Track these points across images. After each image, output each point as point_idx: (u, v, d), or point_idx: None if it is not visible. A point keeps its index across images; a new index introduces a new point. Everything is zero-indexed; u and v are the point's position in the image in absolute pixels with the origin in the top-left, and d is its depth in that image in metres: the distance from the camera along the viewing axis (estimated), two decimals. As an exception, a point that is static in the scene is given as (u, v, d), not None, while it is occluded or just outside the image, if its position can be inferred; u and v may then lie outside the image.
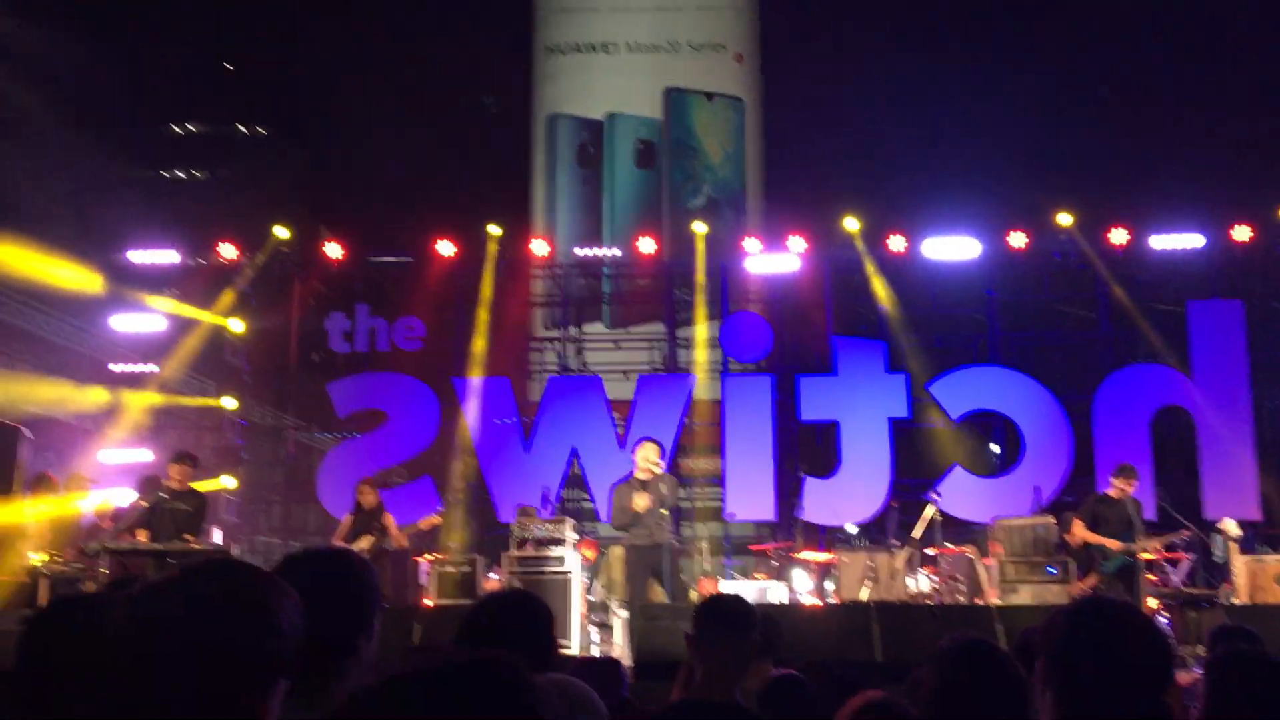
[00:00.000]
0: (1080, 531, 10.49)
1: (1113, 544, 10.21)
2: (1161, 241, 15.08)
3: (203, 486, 11.16)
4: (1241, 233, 14.83)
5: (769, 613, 8.37)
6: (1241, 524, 11.40)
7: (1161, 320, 15.19)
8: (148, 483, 10.89)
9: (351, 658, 2.13)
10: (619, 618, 10.27)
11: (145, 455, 14.24)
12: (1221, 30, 22.96)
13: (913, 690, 2.86)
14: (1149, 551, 10.37)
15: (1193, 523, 11.44)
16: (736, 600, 3.46)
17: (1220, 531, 11.27)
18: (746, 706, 3.14)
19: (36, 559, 10.20)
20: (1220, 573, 11.72)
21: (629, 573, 10.33)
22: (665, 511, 10.02)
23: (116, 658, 1.49)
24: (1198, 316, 14.75)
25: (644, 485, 10.15)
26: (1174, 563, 11.20)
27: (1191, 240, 15.03)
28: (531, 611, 2.82)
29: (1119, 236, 15.05)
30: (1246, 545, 11.33)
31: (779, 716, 3.57)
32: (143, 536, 9.81)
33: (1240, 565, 10.89)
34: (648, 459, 10.16)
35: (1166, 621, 9.78)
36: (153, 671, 1.46)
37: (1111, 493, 10.55)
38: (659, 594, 10.01)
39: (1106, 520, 10.38)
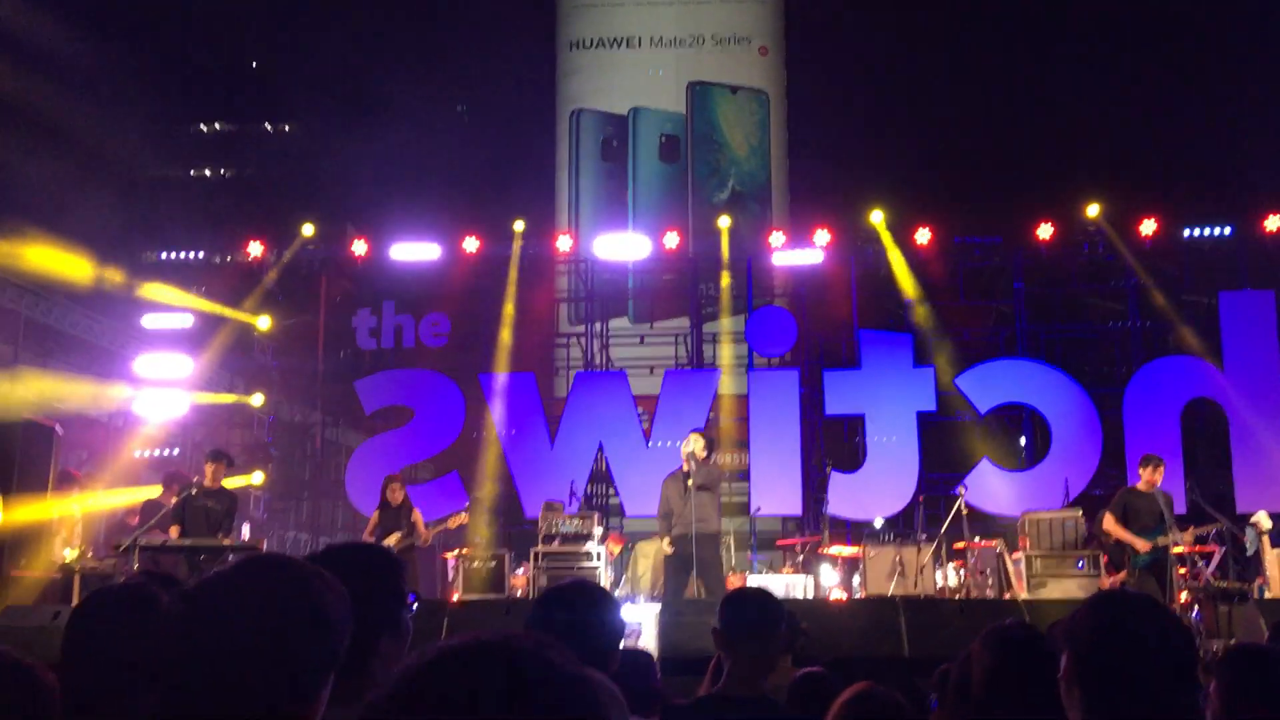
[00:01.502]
0: (1111, 526, 10.41)
1: (1141, 544, 10.12)
2: (1192, 232, 14.93)
3: (231, 483, 11.26)
4: (1273, 222, 14.65)
5: (790, 609, 8.37)
6: (1273, 517, 11.27)
7: (1192, 311, 15.05)
8: (175, 479, 10.99)
9: (376, 656, 2.14)
10: (647, 613, 10.26)
11: (174, 452, 14.36)
12: (1252, 19, 22.68)
13: (942, 681, 2.87)
14: (1180, 545, 10.28)
15: (1224, 516, 11.32)
16: (761, 593, 3.42)
17: (1252, 525, 11.16)
18: (775, 701, 3.14)
19: (69, 555, 10.33)
20: (1252, 566, 11.60)
21: (668, 568, 10.26)
22: (693, 489, 9.84)
23: (167, 654, 1.49)
24: (1229, 307, 14.59)
25: (685, 476, 10.09)
26: (1205, 556, 11.10)
27: (1222, 230, 14.87)
28: (600, 602, 2.76)
29: (1148, 227, 14.91)
30: (1278, 538, 11.19)
31: (806, 713, 3.56)
32: (174, 533, 9.90)
33: (1272, 558, 10.76)
34: (689, 450, 10.05)
35: (1197, 615, 9.70)
36: (207, 668, 1.46)
37: (1141, 485, 10.47)
38: (694, 586, 9.94)
39: (1138, 513, 10.29)
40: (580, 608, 2.69)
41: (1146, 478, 10.44)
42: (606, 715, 1.07)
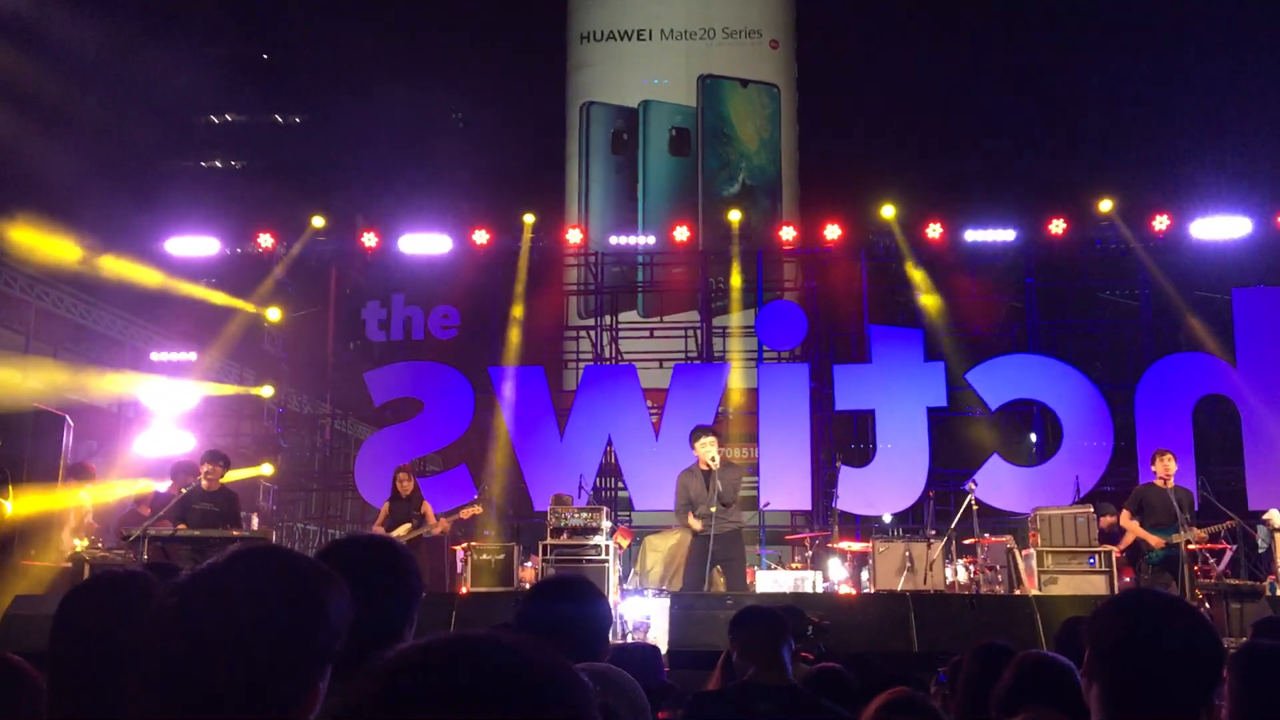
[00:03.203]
0: (1126, 522, 10.41)
1: (1155, 540, 10.11)
2: (1204, 227, 14.85)
3: (241, 474, 11.27)
4: (1287, 219, 14.57)
5: (799, 604, 8.35)
6: (1286, 515, 11.20)
7: (1205, 308, 14.97)
8: (184, 469, 10.99)
9: (391, 649, 2.13)
10: (656, 606, 10.27)
11: (186, 442, 14.38)
12: (1265, 12, 22.53)
13: (954, 671, 2.86)
14: (1194, 542, 10.24)
15: (1237, 513, 11.26)
16: (768, 614, 3.60)
17: (1264, 522, 11.10)
18: (804, 689, 3.15)
19: (79, 545, 10.35)
20: (1264, 563, 11.55)
21: (690, 561, 10.23)
22: (724, 505, 9.83)
23: (160, 642, 1.47)
24: (1243, 304, 14.52)
25: (705, 475, 10.10)
26: (1217, 554, 11.05)
27: (1237, 226, 14.78)
28: (588, 595, 2.80)
29: (1161, 223, 14.83)
30: (1291, 536, 11.12)
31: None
32: (182, 526, 9.91)
33: (1285, 556, 10.71)
34: (707, 452, 9.99)
35: (1208, 613, 9.66)
36: (199, 657, 1.45)
37: (1157, 481, 10.45)
38: (720, 584, 9.96)
39: (1153, 509, 10.28)
40: (567, 601, 2.73)
41: (1160, 471, 10.42)
42: (586, 711, 1.07)
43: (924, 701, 2.86)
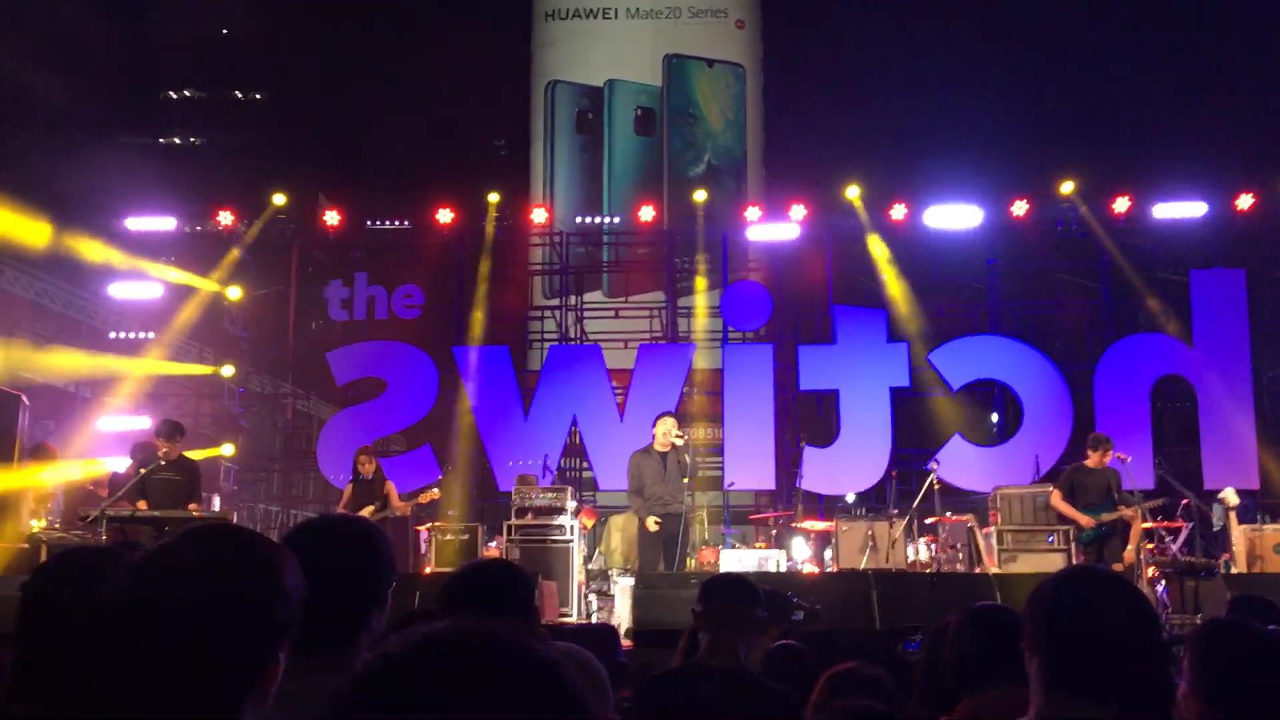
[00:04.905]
0: (1057, 502, 10.50)
1: (1085, 519, 10.24)
2: (1164, 210, 15.00)
3: (201, 454, 11.13)
4: (1245, 201, 14.75)
5: (776, 580, 8.41)
6: (1240, 493, 11.39)
7: (1163, 289, 15.15)
8: (142, 449, 10.86)
9: (365, 628, 2.15)
10: (619, 586, 10.31)
11: (144, 423, 14.22)
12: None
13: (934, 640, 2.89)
14: (1143, 519, 10.36)
15: (1192, 492, 11.42)
16: (738, 579, 3.57)
17: (1219, 500, 11.28)
18: (751, 671, 3.16)
19: (36, 526, 10.22)
20: (1219, 542, 11.74)
21: (644, 541, 10.35)
22: (686, 480, 10.08)
23: (121, 619, 1.49)
24: (1200, 286, 14.70)
25: (663, 456, 10.23)
26: (1173, 532, 11.22)
27: (1195, 209, 14.95)
28: (513, 578, 2.85)
29: (1121, 205, 14.98)
30: (1245, 515, 11.32)
31: (782, 684, 3.59)
32: (142, 505, 9.80)
33: (1239, 535, 10.90)
34: (668, 433, 10.26)
35: (1163, 590, 9.81)
36: (159, 632, 1.47)
37: (1089, 462, 10.54)
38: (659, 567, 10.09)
39: (1085, 489, 10.37)
40: (490, 582, 2.77)
41: (1095, 459, 10.50)
42: (582, 702, 1.08)
43: (870, 674, 2.91)
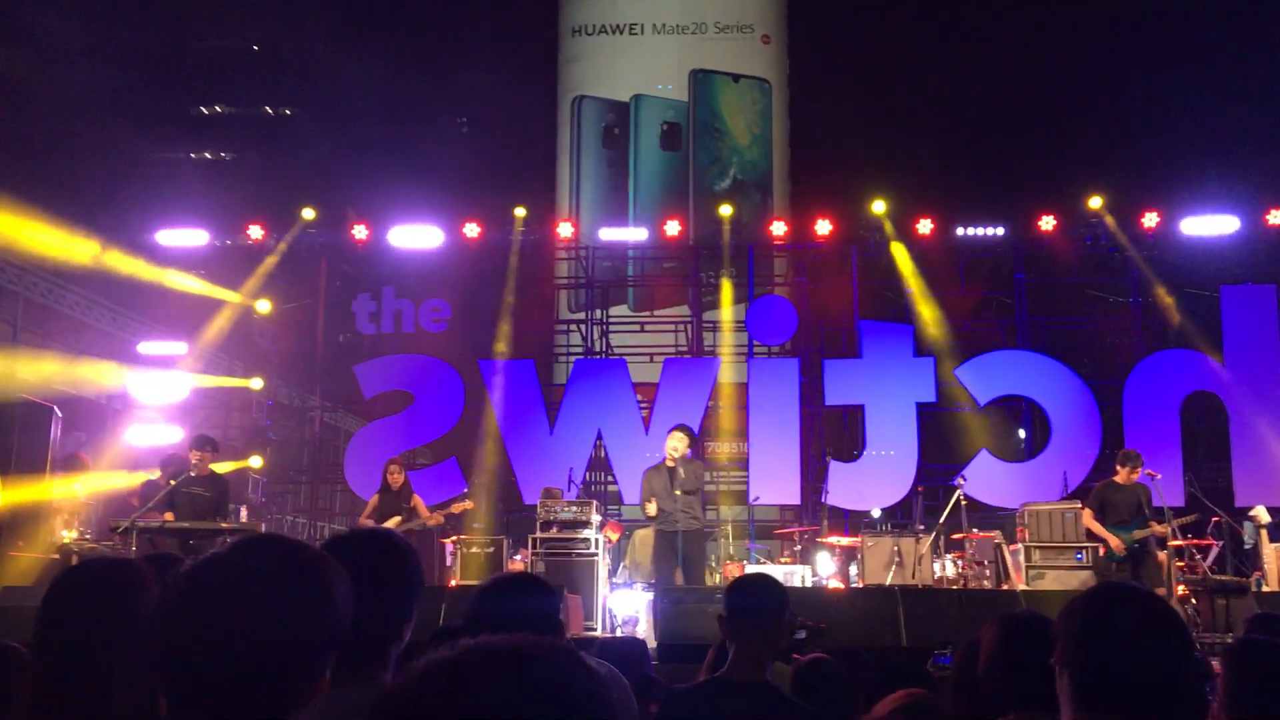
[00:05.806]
0: (1088, 521, 10.44)
1: (1114, 540, 10.16)
2: (1193, 225, 14.90)
3: (230, 466, 11.20)
4: (1276, 217, 14.63)
5: (796, 596, 8.38)
6: (1272, 511, 11.27)
7: (1194, 305, 15.03)
8: (172, 461, 10.95)
9: (396, 642, 2.15)
10: (644, 600, 10.30)
11: (174, 435, 14.34)
12: (1258, 10, 22.60)
13: (969, 652, 2.87)
14: (1174, 537, 10.27)
15: (1223, 510, 11.31)
16: (765, 579, 3.41)
17: (1251, 518, 11.16)
18: (777, 686, 3.14)
19: (67, 536, 10.32)
20: (1250, 560, 11.61)
21: (655, 556, 10.40)
22: (681, 493, 10.10)
23: (167, 635, 1.46)
24: (1230, 301, 14.58)
25: (669, 471, 10.25)
26: (1203, 549, 11.11)
27: (1225, 224, 14.84)
28: (539, 591, 2.85)
29: (1150, 220, 14.89)
30: (1277, 533, 11.20)
31: (810, 699, 3.57)
32: (170, 517, 9.86)
33: (1270, 552, 10.79)
34: (674, 447, 10.33)
35: (1194, 608, 9.71)
36: (209, 648, 1.43)
37: (1118, 479, 10.47)
38: (680, 578, 10.09)
39: (1115, 506, 10.31)
40: (516, 596, 2.78)
41: (1123, 473, 10.43)
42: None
43: (935, 704, 2.87)
